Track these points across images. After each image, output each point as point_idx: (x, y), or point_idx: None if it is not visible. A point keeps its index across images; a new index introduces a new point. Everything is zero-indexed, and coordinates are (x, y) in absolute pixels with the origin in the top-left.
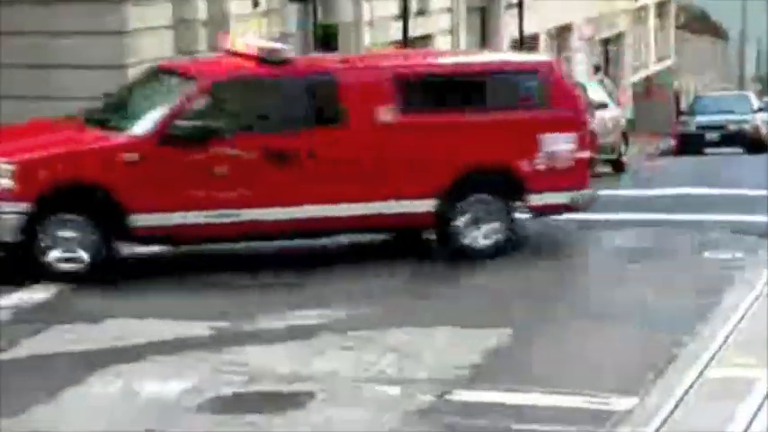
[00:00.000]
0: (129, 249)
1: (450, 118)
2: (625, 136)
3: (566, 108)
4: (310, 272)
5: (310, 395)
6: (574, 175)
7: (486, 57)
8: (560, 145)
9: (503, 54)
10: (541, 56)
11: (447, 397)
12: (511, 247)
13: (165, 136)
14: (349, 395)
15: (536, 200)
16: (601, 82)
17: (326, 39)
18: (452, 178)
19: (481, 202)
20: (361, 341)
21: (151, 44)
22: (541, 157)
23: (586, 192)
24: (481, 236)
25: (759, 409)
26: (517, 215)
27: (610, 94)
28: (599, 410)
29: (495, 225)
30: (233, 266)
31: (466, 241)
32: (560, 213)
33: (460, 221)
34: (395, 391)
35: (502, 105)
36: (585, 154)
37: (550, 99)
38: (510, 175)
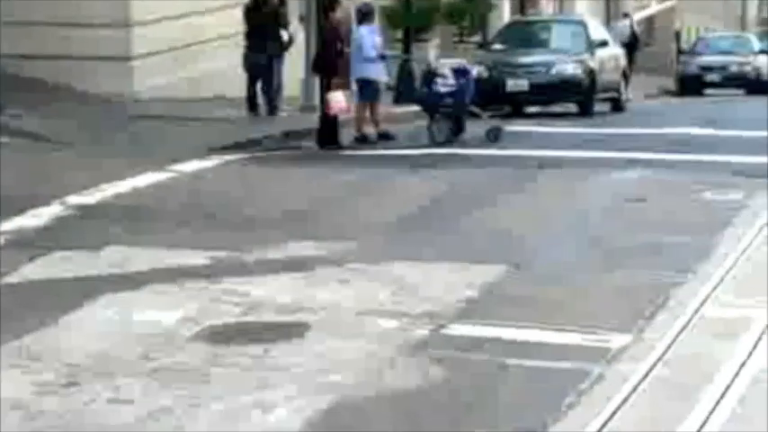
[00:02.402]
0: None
1: None
2: (625, 75)
3: None
4: (316, 204)
5: (306, 326)
6: None
7: None
8: None
9: None
10: None
11: (443, 331)
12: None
13: None
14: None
15: None
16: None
17: None
18: None
19: None
20: (358, 273)
21: None
22: None
23: None
24: None
25: (755, 347)
26: None
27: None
28: (594, 347)
29: None
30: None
31: None
32: None
33: None
34: (392, 323)
35: None
36: None
37: None
38: None
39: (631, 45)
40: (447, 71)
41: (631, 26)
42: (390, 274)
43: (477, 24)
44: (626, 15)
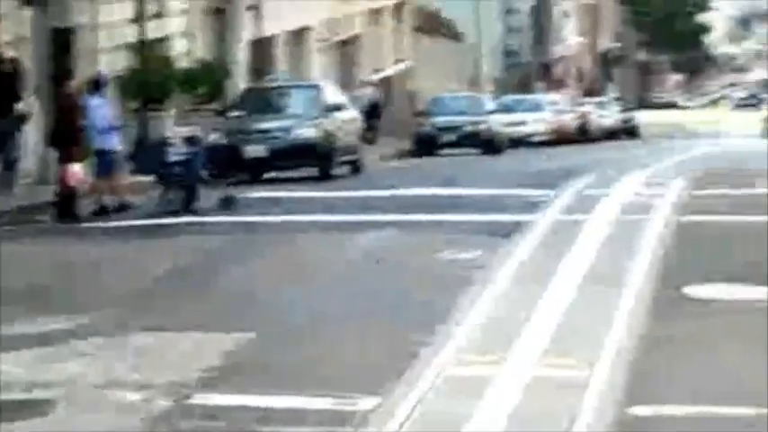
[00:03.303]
0: None
1: None
2: (364, 138)
3: None
4: (56, 277)
5: (50, 402)
6: None
7: None
8: None
9: None
10: None
11: (187, 402)
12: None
13: None
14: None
15: None
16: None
17: (62, 42)
18: None
19: None
20: (101, 346)
21: None
22: None
23: None
24: None
25: (496, 405)
26: None
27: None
28: (342, 411)
29: None
30: None
31: None
32: None
33: None
34: (135, 396)
35: None
36: None
37: None
38: None
39: (372, 112)
40: (178, 140)
41: (374, 93)
42: (133, 346)
43: (214, 92)
44: (369, 83)
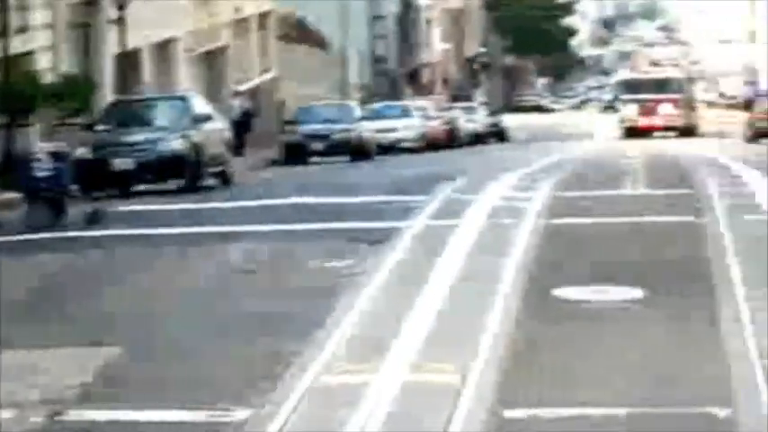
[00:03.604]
0: None
1: None
2: (233, 148)
3: None
4: None
5: None
6: None
7: None
8: None
9: None
10: None
11: (59, 418)
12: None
13: None
14: None
15: None
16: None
17: None
18: None
19: None
20: None
21: None
22: None
23: None
24: None
25: (371, 413)
26: None
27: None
28: (216, 422)
29: None
30: None
31: None
32: None
33: None
34: (6, 414)
35: None
36: None
37: None
38: None
39: (245, 122)
40: (45, 155)
41: (242, 105)
42: (3, 364)
43: (81, 106)
44: (238, 93)
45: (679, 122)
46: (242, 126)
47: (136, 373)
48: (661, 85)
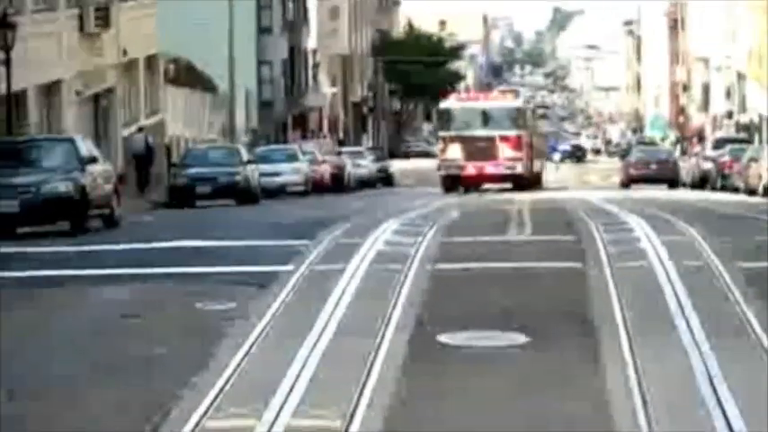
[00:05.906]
0: None
1: None
2: (117, 190)
3: None
4: None
5: None
6: None
7: None
8: None
9: None
10: None
11: None
12: None
13: None
14: None
15: None
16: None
17: None
18: None
19: None
20: None
21: None
22: None
23: None
24: None
25: None
26: None
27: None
28: None
29: None
30: None
31: None
32: None
33: None
34: None
35: None
36: None
37: None
38: None
39: (147, 158)
40: None
41: (146, 139)
42: None
43: None
44: (140, 129)
45: (519, 170)
46: (145, 160)
47: (9, 412)
48: (496, 118)
